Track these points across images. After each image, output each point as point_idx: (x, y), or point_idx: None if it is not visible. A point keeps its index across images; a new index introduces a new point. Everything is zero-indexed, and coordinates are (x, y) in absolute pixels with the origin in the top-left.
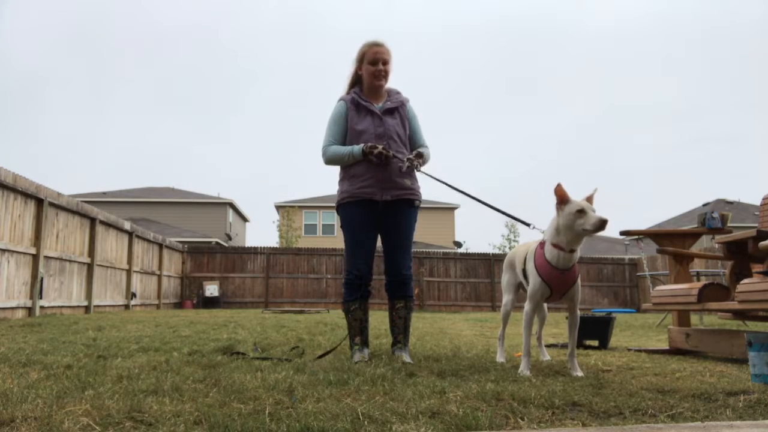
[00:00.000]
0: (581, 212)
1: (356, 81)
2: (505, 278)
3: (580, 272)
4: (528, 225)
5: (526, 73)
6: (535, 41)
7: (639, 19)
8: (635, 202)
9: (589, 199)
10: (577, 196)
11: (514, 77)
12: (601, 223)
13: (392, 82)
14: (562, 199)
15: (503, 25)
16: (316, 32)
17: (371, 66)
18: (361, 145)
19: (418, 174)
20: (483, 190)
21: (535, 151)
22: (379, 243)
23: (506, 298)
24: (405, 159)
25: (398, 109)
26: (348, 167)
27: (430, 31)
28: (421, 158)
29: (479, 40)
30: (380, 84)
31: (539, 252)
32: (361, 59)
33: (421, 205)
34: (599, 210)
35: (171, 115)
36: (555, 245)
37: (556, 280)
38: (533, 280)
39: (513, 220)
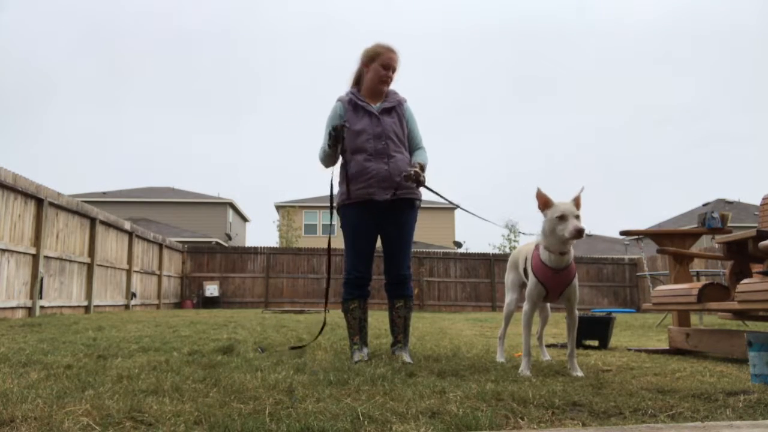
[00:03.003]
0: (562, 218)
1: (359, 79)
2: (509, 277)
3: (578, 272)
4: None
5: (533, 73)
6: (541, 42)
7: (640, 20)
8: (635, 202)
9: (576, 200)
10: (569, 196)
11: (523, 77)
12: (578, 233)
13: (399, 85)
14: (544, 203)
15: (508, 25)
16: (321, 34)
17: (382, 69)
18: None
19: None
20: (488, 190)
21: (539, 150)
22: (378, 243)
23: (509, 297)
24: (411, 171)
25: (395, 109)
26: (346, 169)
27: (444, 31)
28: (424, 171)
29: (485, 41)
30: (383, 89)
31: (535, 253)
32: (372, 58)
33: (422, 205)
34: (591, 210)
35: (171, 115)
36: (546, 248)
37: (552, 280)
38: (530, 280)
39: (514, 221)
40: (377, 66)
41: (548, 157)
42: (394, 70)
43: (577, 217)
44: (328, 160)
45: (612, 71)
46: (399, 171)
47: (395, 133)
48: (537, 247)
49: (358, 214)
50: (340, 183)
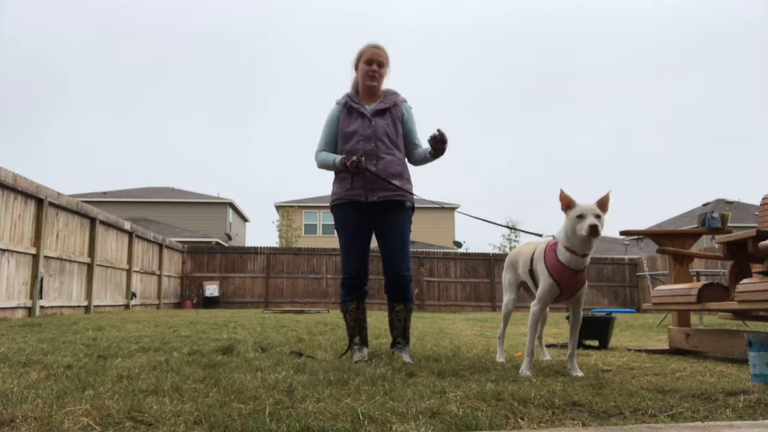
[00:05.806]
0: (581, 217)
1: (357, 84)
2: (506, 277)
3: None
4: (540, 235)
5: (533, 74)
6: (543, 41)
7: (639, 21)
8: (635, 202)
9: (602, 202)
10: (591, 199)
11: (523, 78)
12: (591, 229)
13: (403, 82)
14: (567, 204)
15: (510, 26)
16: (321, 34)
17: (366, 65)
18: (341, 157)
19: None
20: (489, 190)
21: (538, 150)
22: (375, 245)
23: (507, 298)
24: (437, 132)
25: (390, 110)
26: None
27: (456, 29)
28: (445, 143)
29: (491, 41)
30: (372, 84)
31: (551, 253)
32: (358, 59)
33: (421, 206)
34: (611, 211)
35: (172, 115)
36: (568, 249)
37: (568, 281)
38: (544, 281)
39: (515, 221)
40: (362, 64)
41: (548, 158)
42: (380, 64)
43: (597, 216)
44: (326, 170)
45: (612, 73)
46: (387, 172)
47: (387, 134)
48: (551, 247)
49: (349, 215)
50: (333, 183)
